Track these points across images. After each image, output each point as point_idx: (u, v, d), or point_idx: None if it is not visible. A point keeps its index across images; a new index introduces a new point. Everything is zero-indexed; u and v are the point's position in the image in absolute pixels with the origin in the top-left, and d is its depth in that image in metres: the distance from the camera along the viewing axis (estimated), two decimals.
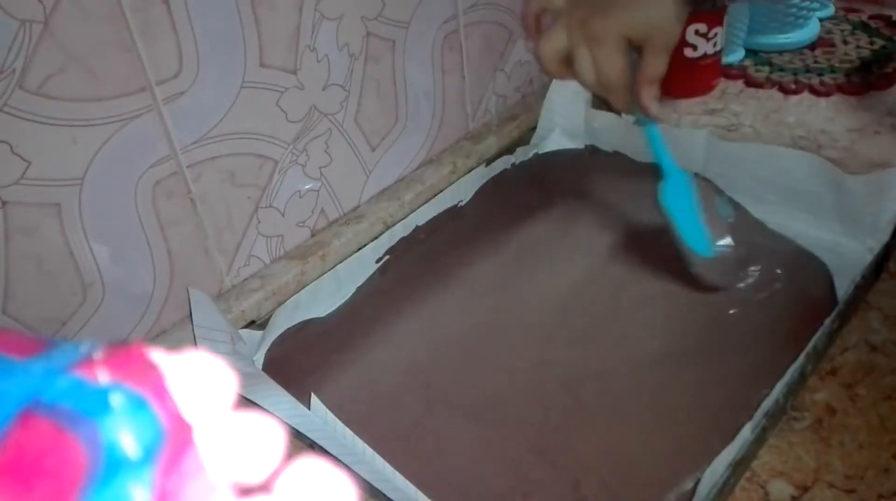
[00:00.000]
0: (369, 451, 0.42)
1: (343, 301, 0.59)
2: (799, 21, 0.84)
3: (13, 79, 0.40)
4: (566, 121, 0.73)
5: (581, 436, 0.46)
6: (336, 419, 0.43)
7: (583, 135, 0.73)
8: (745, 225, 0.60)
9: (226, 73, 0.50)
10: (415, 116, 0.66)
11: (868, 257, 0.53)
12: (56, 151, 0.43)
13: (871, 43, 0.84)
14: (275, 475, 0.16)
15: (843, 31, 0.87)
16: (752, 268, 0.56)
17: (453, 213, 0.67)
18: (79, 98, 0.43)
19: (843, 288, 0.53)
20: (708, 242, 0.55)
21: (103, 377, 0.14)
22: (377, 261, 0.61)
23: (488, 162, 0.70)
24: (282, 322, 0.55)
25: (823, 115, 0.73)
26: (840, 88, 0.76)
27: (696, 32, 0.74)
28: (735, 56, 0.83)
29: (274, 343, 0.54)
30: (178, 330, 0.53)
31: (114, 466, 0.14)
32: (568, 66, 0.51)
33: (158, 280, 0.52)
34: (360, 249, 0.60)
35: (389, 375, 0.52)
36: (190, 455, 0.15)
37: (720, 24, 0.75)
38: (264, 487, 0.16)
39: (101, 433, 0.14)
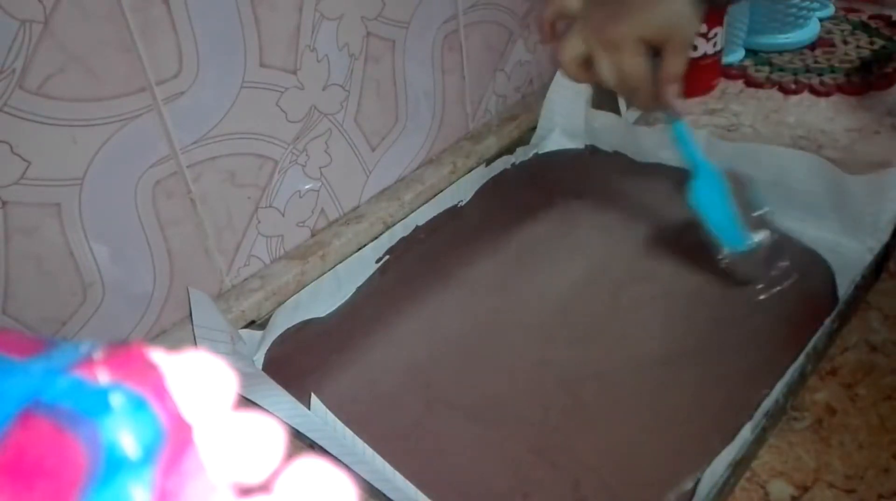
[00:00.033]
0: (369, 451, 0.42)
1: (343, 301, 0.59)
2: (799, 21, 0.84)
3: (13, 79, 0.40)
4: (566, 121, 0.73)
5: (581, 436, 0.46)
6: (336, 419, 0.43)
7: (583, 135, 0.73)
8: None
9: (226, 73, 0.50)
10: (415, 116, 0.66)
11: (868, 257, 0.53)
12: (56, 151, 0.43)
13: (871, 43, 0.84)
14: (275, 475, 0.16)
15: (843, 31, 0.87)
16: (781, 263, 0.56)
17: (453, 213, 0.67)
18: (79, 98, 0.43)
19: (843, 288, 0.53)
20: (742, 236, 0.55)
21: (103, 377, 0.14)
22: (377, 261, 0.61)
23: (488, 162, 0.70)
24: (282, 322, 0.55)
25: (823, 115, 0.73)
26: (840, 88, 0.76)
27: (696, 33, 0.74)
28: (735, 56, 0.83)
29: (274, 343, 0.54)
30: (178, 330, 0.53)
31: (114, 466, 0.14)
32: (589, 69, 0.51)
33: (158, 280, 0.52)
34: (360, 249, 0.60)
35: (389, 375, 0.52)
36: (190, 455, 0.15)
37: (720, 24, 0.75)
38: (264, 487, 0.16)
39: (101, 433, 0.14)
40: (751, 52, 0.84)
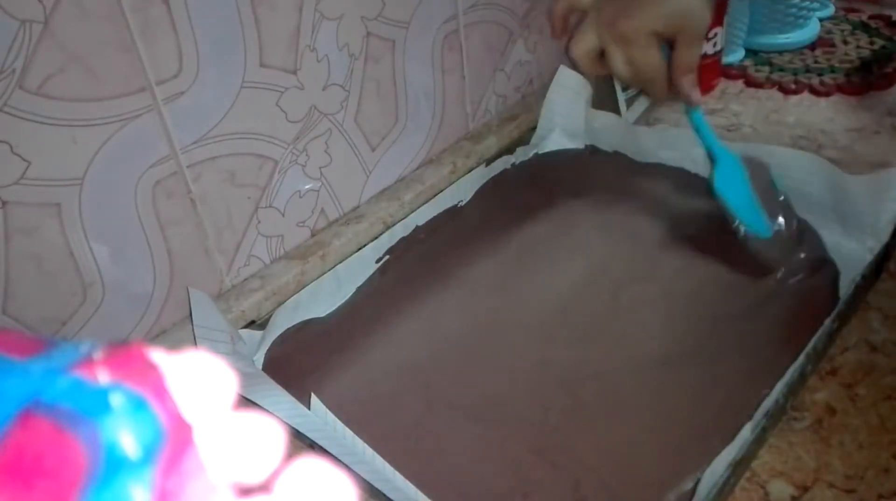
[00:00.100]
0: (369, 451, 0.41)
1: (343, 301, 0.59)
2: (799, 21, 0.84)
3: (13, 79, 0.40)
4: (566, 121, 0.73)
5: (581, 436, 0.46)
6: (336, 419, 0.43)
7: (583, 135, 0.73)
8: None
9: (226, 73, 0.50)
10: (415, 116, 0.66)
11: (868, 257, 0.53)
12: (56, 151, 0.43)
13: (871, 43, 0.84)
14: (275, 475, 0.16)
15: (843, 31, 0.87)
16: (801, 251, 0.56)
17: (453, 213, 0.67)
18: (79, 98, 0.43)
19: (843, 288, 0.53)
20: (766, 222, 0.55)
21: (103, 377, 0.14)
22: (377, 261, 0.61)
23: (488, 162, 0.70)
24: (282, 322, 0.55)
25: (823, 115, 0.73)
26: (840, 88, 0.76)
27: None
28: (735, 56, 0.83)
29: (274, 343, 0.54)
30: (178, 330, 0.53)
31: (114, 466, 0.14)
32: (602, 63, 0.51)
33: (158, 280, 0.52)
34: (360, 249, 0.60)
35: (389, 375, 0.52)
36: (190, 455, 0.15)
37: (720, 24, 0.75)
38: (264, 487, 0.16)
39: (101, 433, 0.14)
40: (751, 52, 0.84)
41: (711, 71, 0.78)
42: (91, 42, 0.43)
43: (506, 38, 0.72)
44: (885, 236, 0.53)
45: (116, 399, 0.14)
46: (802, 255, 0.56)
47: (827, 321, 0.46)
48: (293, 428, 0.43)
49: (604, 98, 0.73)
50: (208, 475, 0.15)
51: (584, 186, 0.68)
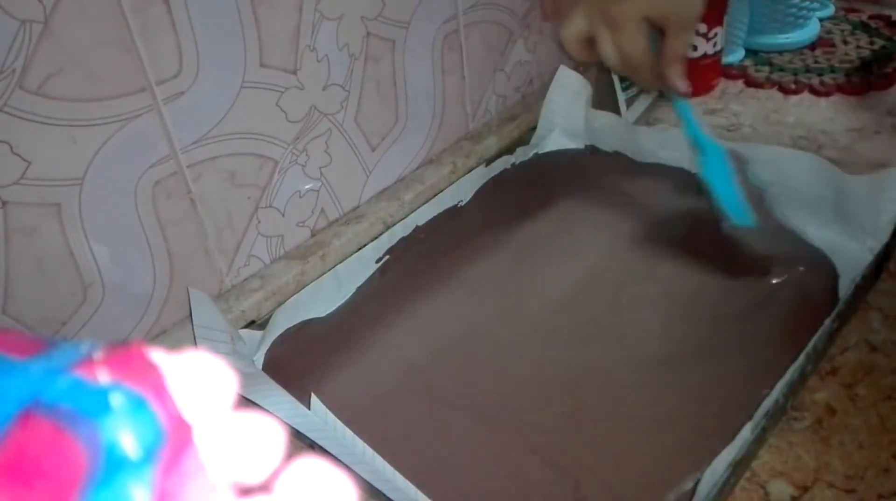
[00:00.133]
0: (369, 451, 0.41)
1: (343, 301, 0.59)
2: (799, 21, 0.84)
3: (13, 79, 0.40)
4: (566, 121, 0.73)
5: (581, 436, 0.46)
6: (336, 419, 0.43)
7: (583, 135, 0.73)
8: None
9: (226, 73, 0.50)
10: (415, 116, 0.66)
11: (868, 257, 0.53)
12: (56, 151, 0.43)
13: (871, 43, 0.84)
14: (275, 475, 0.16)
15: (843, 31, 0.87)
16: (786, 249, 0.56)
17: (453, 213, 0.67)
18: (79, 98, 0.43)
19: (843, 288, 0.53)
20: (748, 212, 0.55)
21: (103, 377, 0.14)
22: (377, 261, 0.61)
23: (488, 162, 0.70)
24: (282, 322, 0.55)
25: (823, 115, 0.73)
26: (840, 88, 0.76)
27: (697, 32, 0.74)
28: (735, 56, 0.83)
29: (274, 343, 0.54)
30: (178, 330, 0.53)
31: (114, 466, 0.14)
32: (591, 48, 0.51)
33: (158, 280, 0.52)
34: (360, 249, 0.60)
35: (389, 375, 0.52)
36: (190, 455, 0.15)
37: (720, 24, 0.75)
38: (264, 487, 0.16)
39: (101, 433, 0.14)
40: (751, 52, 0.84)
41: (711, 71, 0.78)
42: (91, 42, 0.43)
43: (506, 38, 0.72)
44: (885, 236, 0.53)
45: (116, 399, 0.14)
46: (788, 251, 0.56)
47: (827, 321, 0.46)
48: (293, 428, 0.43)
49: (604, 98, 0.73)
50: (208, 475, 0.15)
51: (584, 186, 0.68)
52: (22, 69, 0.40)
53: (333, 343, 0.55)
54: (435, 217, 0.65)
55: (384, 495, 0.39)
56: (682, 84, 0.52)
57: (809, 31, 0.85)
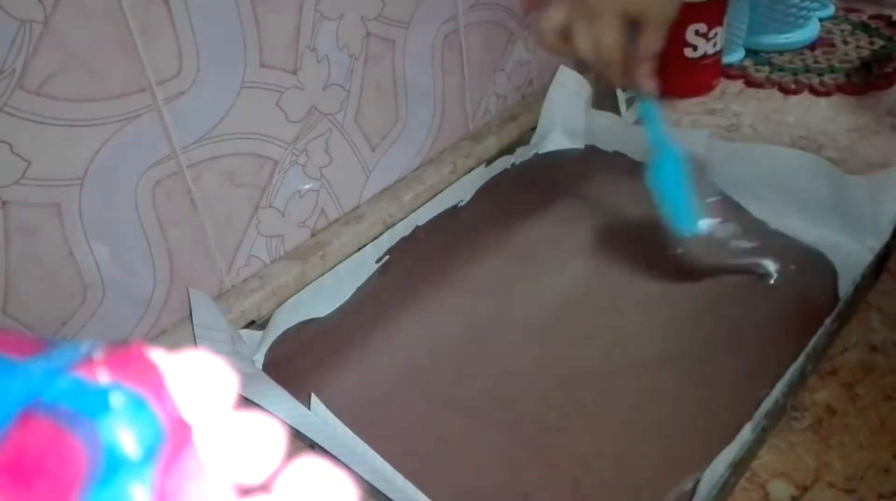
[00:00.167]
0: (369, 451, 0.42)
1: (343, 301, 0.59)
2: (799, 21, 0.84)
3: (13, 79, 0.40)
4: (566, 121, 0.73)
5: (581, 436, 0.46)
6: (336, 419, 0.43)
7: (583, 135, 0.73)
8: (747, 225, 0.60)
9: (226, 73, 0.50)
10: (415, 116, 0.66)
11: (868, 257, 0.53)
12: (56, 151, 0.43)
13: (871, 43, 0.84)
14: (275, 475, 0.16)
15: (843, 31, 0.87)
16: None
17: (453, 213, 0.67)
18: (79, 98, 0.43)
19: (843, 288, 0.53)
20: (694, 220, 0.55)
21: (103, 377, 0.14)
22: (377, 261, 0.61)
23: (488, 162, 0.70)
24: (282, 322, 0.55)
25: (823, 115, 0.73)
26: (840, 88, 0.76)
27: (696, 32, 0.74)
28: (735, 56, 0.83)
29: (274, 343, 0.54)
30: (178, 330, 0.53)
31: (114, 466, 0.14)
32: (566, 41, 0.51)
33: (158, 280, 0.52)
34: (360, 249, 0.60)
35: (389, 375, 0.52)
36: (190, 455, 0.15)
37: (720, 24, 0.75)
38: (264, 487, 0.16)
39: (101, 433, 0.14)
40: (751, 52, 0.84)
41: (711, 71, 0.78)
42: (91, 42, 0.43)
43: (506, 38, 0.72)
44: (885, 236, 0.53)
45: (116, 399, 0.14)
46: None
47: (827, 321, 0.46)
48: (293, 428, 0.43)
49: (604, 98, 0.73)
50: (208, 475, 0.15)
51: (584, 186, 0.68)
52: (22, 69, 0.40)
53: (333, 343, 0.55)
54: (435, 217, 0.65)
55: (384, 495, 0.39)
56: (649, 83, 0.53)
57: (809, 31, 0.85)
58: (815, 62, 0.81)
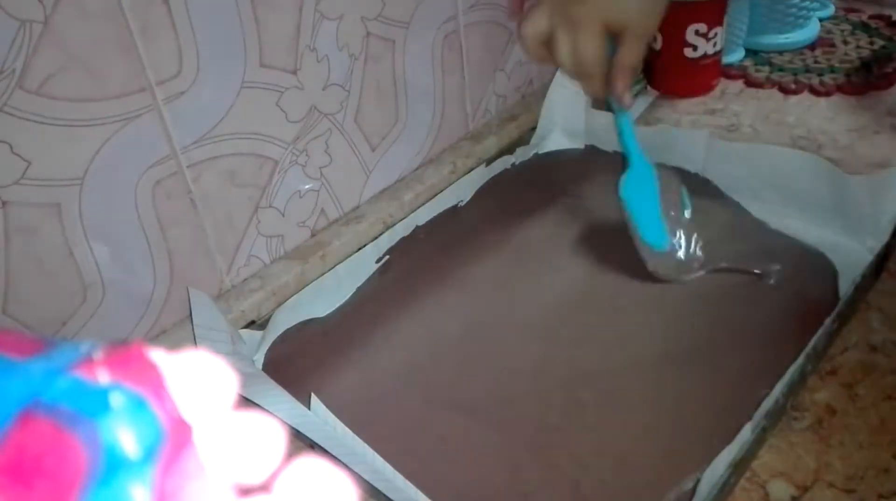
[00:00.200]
0: (369, 451, 0.42)
1: (343, 301, 0.59)
2: (799, 21, 0.84)
3: (13, 79, 0.40)
4: (566, 121, 0.73)
5: (581, 436, 0.46)
6: (336, 419, 0.43)
7: (583, 135, 0.73)
8: (747, 224, 0.60)
9: (226, 73, 0.50)
10: (415, 116, 0.66)
11: (868, 257, 0.53)
12: (56, 151, 0.43)
13: (871, 43, 0.84)
14: (275, 475, 0.16)
15: (843, 31, 0.87)
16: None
17: (453, 213, 0.67)
18: (79, 98, 0.43)
19: (843, 288, 0.53)
20: (664, 235, 0.55)
21: (103, 377, 0.14)
22: (377, 261, 0.61)
23: (488, 162, 0.70)
24: (282, 322, 0.55)
25: (823, 115, 0.73)
26: (840, 88, 0.76)
27: (696, 32, 0.74)
28: (735, 56, 0.83)
29: (274, 343, 0.54)
30: (178, 330, 0.53)
31: (114, 466, 0.14)
32: (548, 48, 0.52)
33: (158, 280, 0.52)
34: (360, 249, 0.60)
35: (389, 375, 0.52)
36: (190, 455, 0.15)
37: (720, 24, 0.75)
38: (264, 487, 0.16)
39: (101, 433, 0.14)
40: (751, 52, 0.84)
41: (711, 71, 0.78)
42: (91, 42, 0.43)
43: (506, 38, 0.72)
44: (885, 236, 0.54)
45: (116, 399, 0.14)
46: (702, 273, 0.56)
47: (827, 321, 0.46)
48: (293, 428, 0.43)
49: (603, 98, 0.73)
50: (208, 475, 0.15)
51: (584, 187, 0.68)
52: (22, 69, 0.40)
53: (333, 343, 0.55)
54: (435, 217, 0.65)
55: (384, 495, 0.40)
56: (626, 97, 0.53)
57: (809, 31, 0.85)
58: (815, 62, 0.81)
